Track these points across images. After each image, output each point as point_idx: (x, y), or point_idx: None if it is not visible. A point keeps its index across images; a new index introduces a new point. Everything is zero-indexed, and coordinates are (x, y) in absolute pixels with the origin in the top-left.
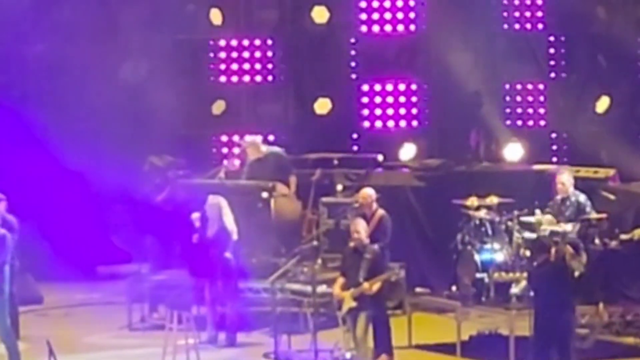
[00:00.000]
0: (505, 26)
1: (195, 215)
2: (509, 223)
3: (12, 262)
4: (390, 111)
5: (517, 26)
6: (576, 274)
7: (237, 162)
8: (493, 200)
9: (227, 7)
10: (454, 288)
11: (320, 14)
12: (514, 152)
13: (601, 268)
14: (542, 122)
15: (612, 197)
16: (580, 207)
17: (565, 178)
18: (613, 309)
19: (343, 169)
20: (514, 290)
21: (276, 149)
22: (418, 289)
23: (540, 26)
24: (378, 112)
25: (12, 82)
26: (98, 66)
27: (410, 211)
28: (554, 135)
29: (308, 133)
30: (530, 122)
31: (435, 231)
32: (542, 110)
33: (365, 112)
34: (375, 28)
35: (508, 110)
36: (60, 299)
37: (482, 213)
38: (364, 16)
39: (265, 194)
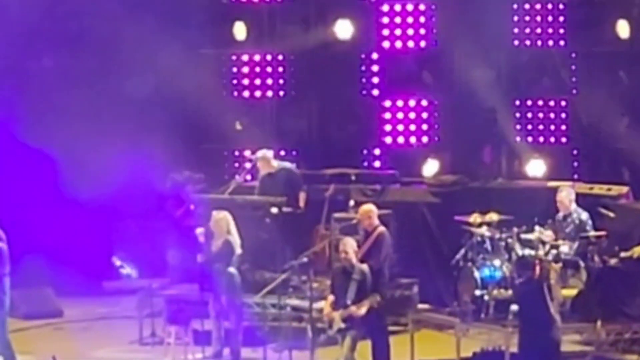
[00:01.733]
0: (523, 42)
1: (200, 230)
2: (509, 240)
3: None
4: (412, 127)
5: (539, 42)
6: (574, 292)
7: (247, 176)
8: (493, 217)
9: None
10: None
11: (343, 29)
12: (536, 168)
13: (600, 286)
14: (564, 139)
15: (611, 214)
16: (582, 225)
17: (563, 195)
18: (611, 327)
19: (359, 185)
20: (514, 307)
21: (287, 164)
22: (420, 305)
23: (562, 43)
24: (400, 127)
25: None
26: (111, 79)
27: (425, 227)
28: (575, 152)
29: (330, 148)
30: (552, 139)
31: (450, 247)
32: (563, 127)
33: (388, 127)
34: (398, 44)
35: (530, 127)
36: (80, 312)
37: (483, 230)
38: (386, 32)
39: (274, 210)
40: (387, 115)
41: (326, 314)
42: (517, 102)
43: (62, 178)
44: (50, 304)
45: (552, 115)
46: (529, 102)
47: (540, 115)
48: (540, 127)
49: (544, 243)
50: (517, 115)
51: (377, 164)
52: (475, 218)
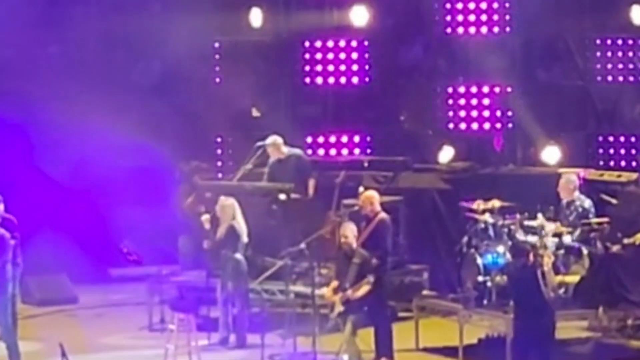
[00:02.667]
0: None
1: (206, 217)
2: (512, 227)
3: (15, 262)
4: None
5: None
6: (576, 278)
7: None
8: (495, 204)
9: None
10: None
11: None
12: (551, 155)
13: (602, 272)
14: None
15: (613, 201)
16: (584, 212)
17: (564, 182)
18: (614, 313)
19: (371, 171)
20: None
21: (297, 150)
22: (425, 292)
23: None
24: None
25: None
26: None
27: (435, 214)
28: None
29: None
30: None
31: (460, 234)
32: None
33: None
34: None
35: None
36: (95, 299)
37: (486, 216)
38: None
39: (282, 196)
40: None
41: (327, 297)
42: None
43: (69, 166)
44: (65, 290)
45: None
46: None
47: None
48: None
49: (546, 229)
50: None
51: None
52: (478, 205)
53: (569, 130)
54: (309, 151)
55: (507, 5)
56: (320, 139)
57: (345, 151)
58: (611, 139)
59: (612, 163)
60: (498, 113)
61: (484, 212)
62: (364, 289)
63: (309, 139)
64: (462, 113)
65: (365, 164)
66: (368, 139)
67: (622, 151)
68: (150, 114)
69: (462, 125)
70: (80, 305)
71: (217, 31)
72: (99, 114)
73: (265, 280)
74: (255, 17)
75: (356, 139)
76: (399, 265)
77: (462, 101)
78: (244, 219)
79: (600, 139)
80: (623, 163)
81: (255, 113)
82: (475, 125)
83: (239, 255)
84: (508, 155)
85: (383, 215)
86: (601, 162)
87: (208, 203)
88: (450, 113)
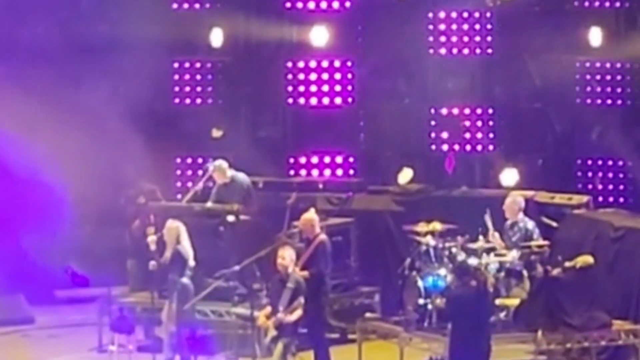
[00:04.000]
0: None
1: (151, 239)
2: (453, 249)
3: None
4: None
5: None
6: (517, 301)
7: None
8: (436, 226)
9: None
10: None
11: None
12: (509, 177)
13: (542, 295)
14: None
15: (554, 224)
16: (528, 234)
17: (509, 202)
18: (553, 337)
19: (326, 193)
20: None
21: (241, 174)
22: (368, 314)
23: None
24: None
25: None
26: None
27: (388, 236)
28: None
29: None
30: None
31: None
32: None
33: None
34: None
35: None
36: (52, 319)
37: (428, 239)
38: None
39: (231, 218)
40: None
41: (260, 323)
42: (490, 111)
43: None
44: (21, 310)
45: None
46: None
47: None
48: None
49: (487, 252)
50: (490, 124)
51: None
52: (422, 227)
53: (528, 152)
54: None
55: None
56: (281, 160)
57: (303, 172)
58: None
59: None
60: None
61: (426, 234)
62: (297, 312)
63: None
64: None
65: (320, 186)
66: (327, 160)
67: (579, 174)
68: (103, 134)
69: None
70: (35, 326)
71: (176, 51)
72: (48, 131)
73: (213, 301)
74: (216, 37)
75: (314, 159)
76: (350, 287)
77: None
78: (192, 240)
79: (558, 161)
80: (580, 186)
81: (215, 133)
82: (433, 147)
83: (185, 280)
84: (464, 177)
85: (322, 237)
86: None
87: (159, 225)
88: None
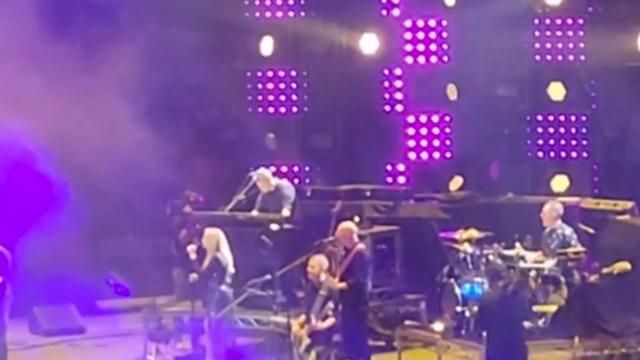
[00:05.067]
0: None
1: (192, 248)
2: (490, 257)
3: (4, 294)
4: (436, 142)
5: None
6: (554, 308)
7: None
8: (473, 233)
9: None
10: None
11: (368, 44)
12: (560, 184)
13: (579, 302)
14: (585, 154)
15: (591, 230)
16: (565, 240)
17: (546, 210)
18: (589, 343)
19: (373, 201)
20: None
21: (285, 182)
22: (407, 322)
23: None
24: (423, 143)
25: None
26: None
27: (434, 244)
28: (595, 167)
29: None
30: (574, 154)
31: None
32: (584, 142)
33: (411, 143)
34: (421, 59)
35: (552, 142)
36: (102, 329)
37: (466, 246)
38: (409, 47)
39: (275, 226)
40: (411, 131)
41: (294, 332)
42: (540, 117)
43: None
44: (73, 320)
45: (573, 130)
46: (551, 117)
47: (562, 130)
48: (562, 142)
49: (523, 259)
50: (540, 130)
51: (401, 179)
52: (459, 234)
53: (578, 158)
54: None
55: None
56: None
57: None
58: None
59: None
60: None
61: (463, 241)
62: (329, 320)
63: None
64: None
65: (367, 193)
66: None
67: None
68: (149, 141)
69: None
70: (85, 336)
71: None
72: (89, 141)
73: (255, 309)
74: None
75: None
76: (395, 295)
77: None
78: (233, 249)
79: (606, 167)
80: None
81: (269, 139)
82: None
83: (224, 287)
84: (512, 184)
85: (361, 246)
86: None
87: (197, 234)
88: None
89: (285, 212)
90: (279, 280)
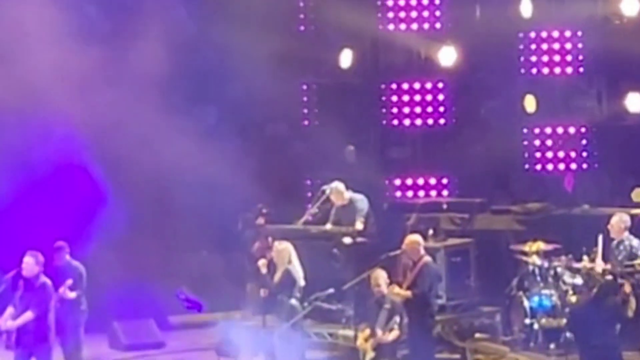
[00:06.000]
0: None
1: (262, 262)
2: (559, 269)
3: (79, 309)
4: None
5: None
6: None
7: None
8: (540, 246)
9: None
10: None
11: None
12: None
13: None
14: None
15: None
16: (632, 252)
17: (614, 221)
18: None
19: (449, 213)
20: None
21: (359, 195)
22: (477, 335)
23: None
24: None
25: None
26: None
27: (509, 256)
28: None
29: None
30: None
31: None
32: None
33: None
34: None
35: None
36: (183, 344)
37: (534, 258)
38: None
39: (347, 240)
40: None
41: (359, 345)
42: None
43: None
44: (152, 335)
45: None
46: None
47: None
48: None
49: (591, 271)
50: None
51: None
52: (529, 246)
53: None
54: (398, 193)
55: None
56: (409, 181)
57: (433, 193)
58: None
59: None
60: (572, 154)
61: (532, 254)
62: (393, 333)
63: (397, 181)
64: (538, 154)
65: (444, 206)
66: (456, 180)
67: None
68: (225, 157)
69: (538, 167)
70: (163, 351)
71: (304, 73)
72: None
73: (326, 323)
74: (346, 58)
75: (444, 180)
76: (470, 308)
77: (537, 142)
78: (305, 262)
79: None
80: None
81: (348, 151)
82: (550, 166)
83: (294, 301)
84: (589, 195)
85: (427, 258)
86: None
87: (267, 248)
88: (526, 154)
89: (358, 225)
90: (348, 293)
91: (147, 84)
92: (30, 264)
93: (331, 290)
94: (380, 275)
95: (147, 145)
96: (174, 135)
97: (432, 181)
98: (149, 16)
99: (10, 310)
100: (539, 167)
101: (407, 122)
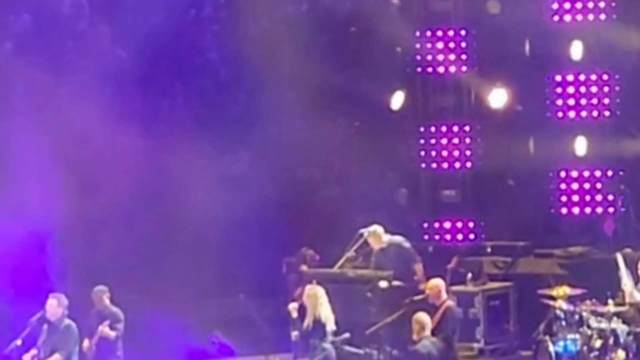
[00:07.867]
0: None
1: (293, 306)
2: (584, 314)
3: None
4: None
5: None
6: None
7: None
8: (565, 290)
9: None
10: None
11: None
12: None
13: None
14: None
15: None
16: None
17: None
18: None
19: (492, 257)
20: None
21: (397, 238)
22: None
23: None
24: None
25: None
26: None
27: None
28: None
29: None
30: None
31: None
32: None
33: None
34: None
35: None
36: None
37: (560, 303)
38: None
39: (384, 283)
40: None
41: None
42: None
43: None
44: None
45: None
46: None
47: None
48: None
49: (617, 315)
50: None
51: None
52: (556, 291)
53: None
54: (448, 236)
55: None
56: (459, 224)
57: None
58: None
59: None
60: (610, 197)
61: (558, 298)
62: None
63: (447, 224)
64: (575, 197)
65: (488, 249)
66: (502, 222)
67: None
68: (253, 201)
69: (576, 210)
70: None
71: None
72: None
73: None
74: (397, 100)
75: (488, 223)
76: (509, 352)
77: (575, 185)
78: (339, 306)
79: None
80: None
81: (401, 193)
82: (587, 210)
83: (326, 344)
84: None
85: (449, 303)
86: None
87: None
88: (564, 198)
89: (419, 274)
90: (377, 337)
91: (176, 129)
92: (53, 306)
93: (347, 335)
94: (423, 319)
95: (181, 191)
96: (205, 180)
97: (480, 223)
98: (182, 59)
99: (33, 352)
100: (588, 210)
101: (457, 164)
